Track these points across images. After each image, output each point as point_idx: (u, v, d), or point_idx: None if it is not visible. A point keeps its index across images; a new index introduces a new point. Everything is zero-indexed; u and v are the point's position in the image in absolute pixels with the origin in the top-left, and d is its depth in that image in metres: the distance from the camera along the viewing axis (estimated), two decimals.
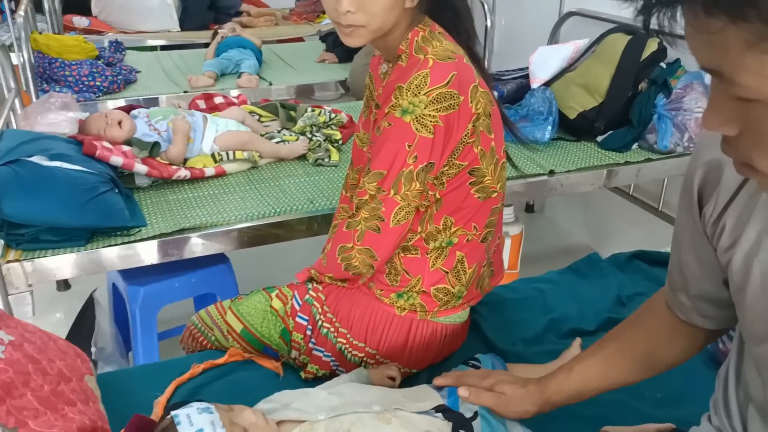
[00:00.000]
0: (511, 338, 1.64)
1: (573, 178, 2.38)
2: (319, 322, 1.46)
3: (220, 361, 1.48)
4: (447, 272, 1.41)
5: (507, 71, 2.95)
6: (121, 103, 3.22)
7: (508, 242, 2.77)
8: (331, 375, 1.44)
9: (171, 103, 2.90)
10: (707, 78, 2.43)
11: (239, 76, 3.63)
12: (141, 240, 1.82)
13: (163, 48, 4.73)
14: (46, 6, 4.26)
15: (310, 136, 2.47)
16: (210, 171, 2.19)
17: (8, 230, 1.72)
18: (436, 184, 1.34)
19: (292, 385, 1.37)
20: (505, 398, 1.15)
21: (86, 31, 4.62)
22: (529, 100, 2.60)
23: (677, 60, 2.58)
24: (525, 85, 2.75)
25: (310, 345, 1.47)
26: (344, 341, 1.44)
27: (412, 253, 1.41)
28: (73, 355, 1.27)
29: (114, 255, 1.80)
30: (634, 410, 1.37)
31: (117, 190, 1.89)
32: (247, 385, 1.42)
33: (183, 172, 2.12)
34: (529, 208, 3.91)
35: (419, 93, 1.24)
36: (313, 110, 2.58)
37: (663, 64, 2.54)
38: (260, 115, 2.59)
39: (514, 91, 2.77)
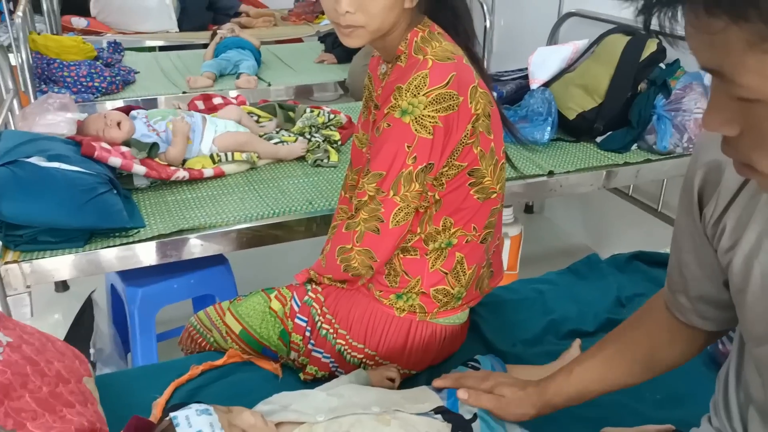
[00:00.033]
0: (510, 339, 1.63)
1: (572, 178, 2.38)
2: (318, 324, 1.46)
3: (219, 362, 1.48)
4: (446, 273, 1.41)
5: (506, 72, 2.94)
6: (120, 103, 3.22)
7: (507, 243, 2.77)
8: (331, 376, 1.44)
9: (170, 104, 2.90)
10: (706, 79, 2.44)
11: (238, 77, 3.63)
12: (139, 241, 1.82)
13: (162, 49, 4.73)
14: (44, 7, 4.25)
15: (308, 137, 2.47)
16: (209, 172, 2.18)
17: (6, 231, 1.71)
18: (435, 184, 1.34)
19: (291, 386, 1.37)
20: (505, 401, 1.15)
21: (85, 32, 4.62)
22: (529, 100, 2.60)
23: (676, 61, 2.58)
24: (524, 86, 2.75)
25: (309, 346, 1.47)
26: (343, 342, 1.44)
27: (411, 254, 1.40)
28: (71, 357, 1.26)
29: (112, 256, 1.79)
30: (634, 411, 1.37)
31: (115, 191, 1.88)
32: (246, 386, 1.42)
33: (182, 173, 2.11)
34: (529, 209, 3.91)
35: (418, 93, 1.24)
36: (311, 111, 2.58)
37: (662, 65, 2.54)
38: (259, 116, 2.59)
39: (513, 92, 2.77)
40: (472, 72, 1.32)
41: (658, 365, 1.11)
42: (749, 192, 0.81)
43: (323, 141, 2.46)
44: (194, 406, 1.01)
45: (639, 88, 2.51)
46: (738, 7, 0.53)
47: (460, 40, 1.37)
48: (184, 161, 2.21)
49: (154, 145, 2.12)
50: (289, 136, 2.47)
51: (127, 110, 2.28)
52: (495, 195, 1.41)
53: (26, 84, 2.97)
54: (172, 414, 0.99)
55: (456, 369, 1.36)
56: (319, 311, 1.46)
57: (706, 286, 0.97)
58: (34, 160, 1.76)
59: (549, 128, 2.49)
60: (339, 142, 2.50)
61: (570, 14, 3.32)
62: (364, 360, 1.44)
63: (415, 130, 1.25)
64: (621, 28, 2.65)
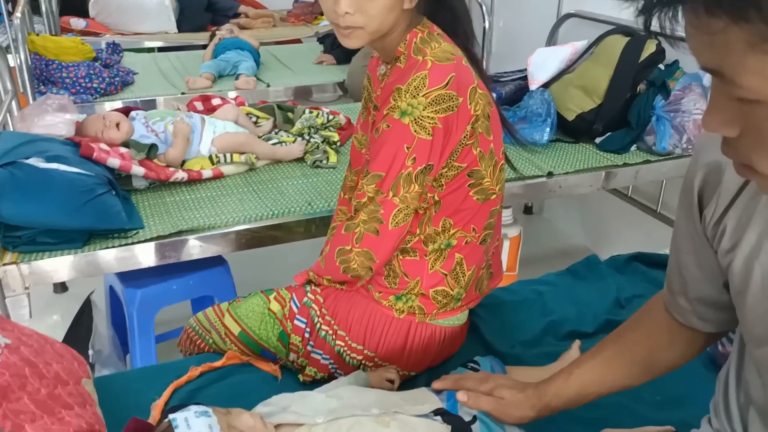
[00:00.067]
0: (509, 340, 1.63)
1: (571, 179, 2.37)
2: (318, 325, 1.46)
3: (218, 363, 1.47)
4: (446, 274, 1.41)
5: (505, 73, 2.94)
6: (119, 104, 3.22)
7: (506, 244, 2.77)
8: (330, 378, 1.44)
9: (169, 105, 2.90)
10: (706, 79, 2.44)
11: (237, 78, 3.63)
12: (138, 242, 1.81)
13: (161, 49, 4.73)
14: (43, 7, 4.25)
15: (307, 137, 2.47)
16: (207, 173, 2.18)
17: (5, 232, 1.71)
18: (434, 186, 1.33)
19: (291, 387, 1.37)
20: (504, 403, 1.15)
21: (83, 33, 4.61)
22: (528, 101, 2.60)
23: (676, 61, 2.58)
24: (523, 87, 2.75)
25: (309, 348, 1.46)
26: (342, 344, 1.44)
27: (410, 256, 1.40)
28: (70, 358, 1.26)
29: (111, 257, 1.79)
30: (634, 413, 1.37)
31: (114, 192, 1.88)
32: (245, 387, 1.41)
33: (180, 174, 2.11)
34: (528, 210, 3.91)
35: (418, 94, 1.24)
36: (310, 112, 2.58)
37: (661, 66, 2.55)
38: (258, 117, 2.59)
39: (512, 93, 2.77)
40: (471, 73, 1.32)
41: (658, 367, 1.11)
42: (749, 193, 0.81)
43: (322, 142, 2.46)
44: (193, 408, 1.01)
45: (638, 89, 2.51)
46: (738, 8, 0.53)
47: (459, 41, 1.36)
48: (183, 162, 2.21)
49: (153, 146, 2.12)
50: (288, 136, 2.47)
51: (125, 111, 2.27)
52: (494, 196, 1.40)
53: (25, 85, 2.97)
54: (171, 416, 0.99)
55: (455, 370, 1.36)
56: (318, 312, 1.46)
57: (706, 287, 0.97)
58: (32, 161, 1.76)
59: (548, 129, 2.49)
60: (338, 143, 2.49)
61: (569, 15, 3.33)
62: (363, 361, 1.44)
63: (415, 131, 1.25)
64: (620, 29, 2.65)
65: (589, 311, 1.75)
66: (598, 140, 2.55)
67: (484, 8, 3.60)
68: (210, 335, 1.55)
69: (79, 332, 2.10)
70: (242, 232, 1.94)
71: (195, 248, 1.89)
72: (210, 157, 2.24)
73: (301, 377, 1.47)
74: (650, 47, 2.48)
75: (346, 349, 1.44)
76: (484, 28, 3.58)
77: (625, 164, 2.45)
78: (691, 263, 0.96)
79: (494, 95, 1.46)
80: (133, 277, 2.00)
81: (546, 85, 2.66)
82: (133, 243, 1.81)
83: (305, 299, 1.48)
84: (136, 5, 4.85)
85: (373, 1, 1.24)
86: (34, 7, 4.09)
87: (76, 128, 2.15)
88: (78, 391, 1.18)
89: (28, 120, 2.13)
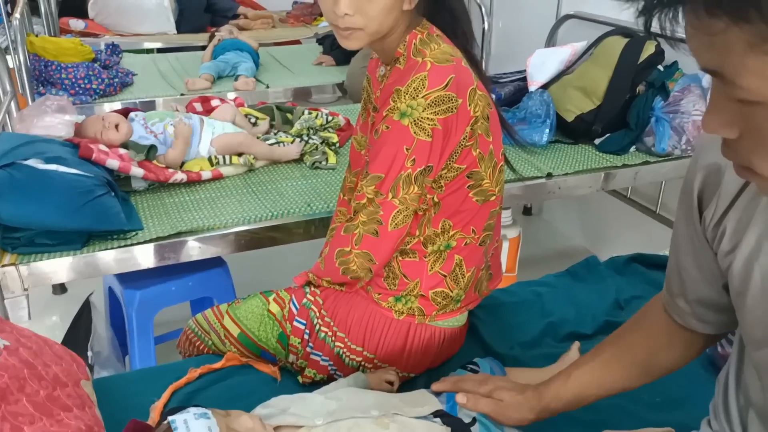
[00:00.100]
0: (508, 342, 1.63)
1: (571, 181, 2.37)
2: (317, 326, 1.46)
3: (217, 365, 1.47)
4: (445, 276, 1.41)
5: (504, 74, 2.94)
6: (118, 106, 3.21)
7: (505, 245, 2.77)
8: (329, 379, 1.44)
9: (168, 106, 2.90)
10: (705, 81, 2.44)
11: (236, 79, 3.62)
12: (137, 243, 1.81)
13: (160, 51, 4.72)
14: (42, 8, 4.25)
15: (306, 138, 2.46)
16: (207, 174, 2.18)
17: (4, 234, 1.71)
18: (434, 187, 1.33)
19: (290, 389, 1.37)
20: (503, 405, 1.14)
21: (82, 34, 4.61)
22: (527, 102, 2.60)
23: (675, 63, 2.58)
24: (522, 88, 2.75)
25: (308, 349, 1.46)
26: (342, 345, 1.44)
27: (410, 257, 1.40)
28: (69, 360, 1.26)
29: (110, 258, 1.79)
30: (633, 415, 1.36)
31: (113, 194, 1.88)
32: (244, 389, 1.41)
33: (180, 176, 2.11)
34: (527, 211, 3.91)
35: (417, 96, 1.24)
36: (309, 113, 2.57)
37: (660, 67, 2.55)
38: (257, 118, 2.59)
39: (511, 94, 2.77)
40: (470, 74, 1.32)
41: (657, 368, 1.11)
42: (749, 195, 0.81)
43: (321, 143, 2.46)
44: (192, 410, 1.01)
45: (637, 90, 2.51)
46: (739, 8, 0.53)
47: (458, 42, 1.36)
48: (182, 164, 2.20)
49: (152, 148, 2.12)
50: (287, 137, 2.47)
51: (125, 112, 2.27)
52: (494, 197, 1.40)
53: (24, 86, 2.97)
54: (170, 418, 0.99)
55: (455, 372, 1.36)
56: (317, 314, 1.46)
57: (705, 289, 0.97)
58: (31, 162, 1.76)
59: (547, 130, 2.48)
60: (337, 144, 2.49)
61: (568, 16, 3.33)
62: (362, 363, 1.44)
63: (414, 132, 1.25)
64: (619, 30, 2.65)
65: (588, 312, 1.75)
66: (597, 141, 2.55)
67: (483, 9, 3.60)
68: (209, 337, 1.55)
69: (78, 333, 2.10)
70: (241, 233, 1.94)
71: (194, 249, 1.89)
72: (209, 159, 2.24)
73: (300, 379, 1.47)
74: (649, 48, 2.48)
75: (345, 350, 1.44)
76: (484, 29, 3.59)
77: (625, 165, 2.45)
78: (690, 265, 0.96)
79: (493, 96, 1.46)
80: (132, 279, 2.00)
81: (545, 86, 2.66)
82: (132, 244, 1.80)
83: (304, 301, 1.48)
84: (136, 6, 4.85)
85: (372, 3, 1.24)
86: (33, 8, 4.08)
87: (75, 129, 2.15)
88: (77, 393, 1.18)
89: (27, 121, 2.13)
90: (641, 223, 3.07)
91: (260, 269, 2.93)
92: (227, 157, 2.25)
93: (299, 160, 2.40)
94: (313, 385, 1.41)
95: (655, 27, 0.61)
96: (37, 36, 3.50)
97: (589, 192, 2.48)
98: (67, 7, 4.84)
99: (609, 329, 1.41)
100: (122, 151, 2.06)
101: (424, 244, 1.38)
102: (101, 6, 4.84)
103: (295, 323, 1.47)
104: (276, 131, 2.54)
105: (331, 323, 1.45)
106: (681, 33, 0.61)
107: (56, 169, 1.78)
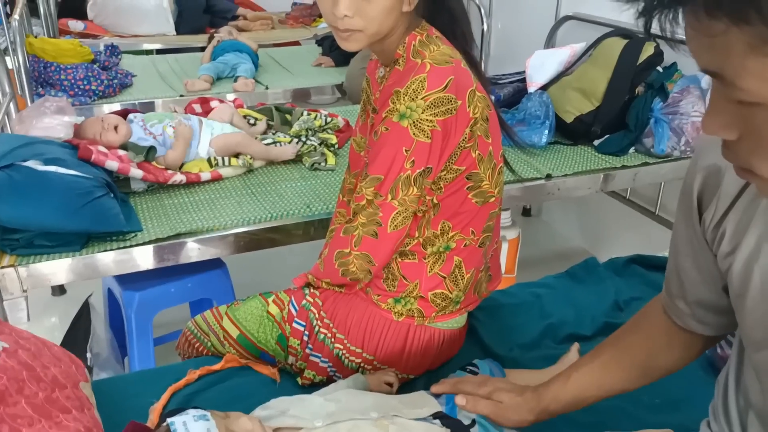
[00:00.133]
0: (508, 343, 1.63)
1: (570, 182, 2.37)
2: (316, 328, 1.45)
3: (217, 367, 1.47)
4: (445, 277, 1.41)
5: (504, 75, 2.94)
6: (117, 107, 3.21)
7: (505, 246, 2.77)
8: (329, 381, 1.43)
9: (167, 107, 2.90)
10: (704, 82, 2.44)
11: (235, 80, 3.62)
12: (137, 245, 1.81)
13: (159, 52, 4.72)
14: (41, 10, 4.24)
15: (304, 140, 2.46)
16: (206, 175, 2.18)
17: (3, 235, 1.70)
18: (433, 188, 1.33)
19: (289, 391, 1.37)
20: (503, 406, 1.14)
21: (82, 35, 4.61)
22: (526, 104, 2.60)
23: (674, 64, 2.58)
24: (522, 89, 2.75)
25: (307, 351, 1.46)
26: (341, 347, 1.44)
27: (409, 258, 1.40)
28: (67, 362, 1.26)
29: (109, 260, 1.79)
30: (632, 416, 1.36)
31: (112, 195, 1.87)
32: (243, 391, 1.41)
33: (179, 177, 2.11)
34: (526, 212, 3.91)
35: (417, 97, 1.24)
36: (308, 114, 2.57)
37: (659, 68, 2.55)
38: (256, 119, 2.59)
39: (510, 95, 2.77)
40: (470, 75, 1.32)
41: (656, 370, 1.10)
42: (749, 196, 0.81)
43: (319, 144, 2.45)
44: (191, 412, 1.01)
45: (636, 92, 2.51)
46: (739, 10, 0.53)
47: (457, 43, 1.36)
48: (182, 165, 2.20)
49: (151, 149, 2.11)
50: (285, 137, 2.47)
51: (124, 114, 2.27)
52: (493, 199, 1.40)
53: (23, 87, 2.97)
54: (169, 420, 0.99)
55: (454, 374, 1.35)
56: (317, 315, 1.46)
57: (704, 290, 0.97)
58: (30, 163, 1.76)
59: (546, 131, 2.49)
60: (336, 146, 2.49)
61: (567, 17, 3.33)
62: (362, 364, 1.44)
63: (413, 134, 1.25)
64: (618, 32, 2.66)
65: (587, 314, 1.75)
66: (596, 142, 2.55)
67: (482, 10, 3.60)
68: (208, 338, 1.55)
69: (77, 335, 2.10)
70: (241, 234, 1.94)
71: (193, 251, 1.89)
72: (208, 160, 2.24)
73: (299, 380, 1.46)
74: (648, 49, 2.48)
75: (344, 352, 1.43)
76: (483, 30, 3.59)
77: (624, 166, 2.45)
78: (689, 266, 0.96)
79: (493, 98, 1.46)
80: (131, 280, 1.99)
81: (544, 88, 2.66)
82: (131, 246, 1.80)
83: (304, 302, 1.48)
84: (135, 7, 4.85)
85: (371, 4, 1.24)
86: (33, 9, 4.08)
87: (74, 131, 2.14)
88: (76, 395, 1.18)
89: (26, 122, 2.13)
90: (640, 225, 3.07)
91: (259, 271, 2.92)
92: (226, 159, 2.25)
93: (298, 161, 2.40)
94: (312, 387, 1.41)
95: (655, 28, 0.61)
96: (36, 37, 3.50)
97: (588, 193, 2.48)
98: (66, 8, 4.84)
99: (608, 331, 1.41)
100: (121, 152, 2.06)
101: (424, 245, 1.38)
102: (100, 7, 4.83)
103: (294, 325, 1.47)
104: (274, 131, 2.54)
105: (331, 325, 1.45)
106: (681, 34, 0.61)
107: (55, 171, 1.78)
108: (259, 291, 1.56)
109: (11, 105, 2.45)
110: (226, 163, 2.24)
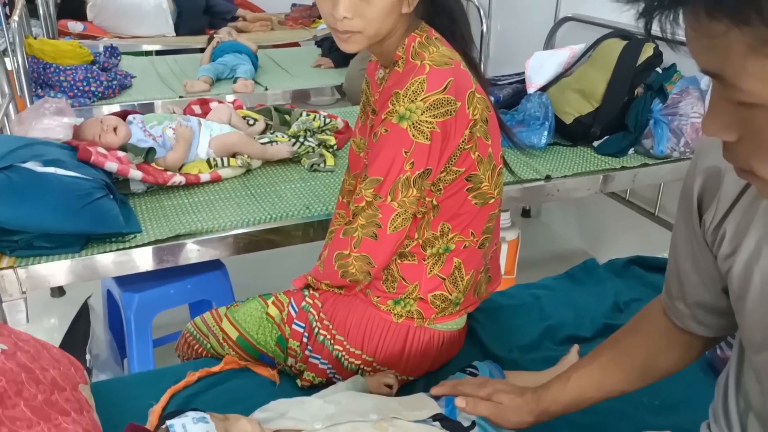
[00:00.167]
0: (507, 345, 1.63)
1: (569, 183, 2.37)
2: (316, 330, 1.45)
3: (216, 368, 1.47)
4: (444, 279, 1.40)
5: (503, 76, 2.94)
6: (116, 108, 3.21)
7: (504, 248, 2.77)
8: (328, 382, 1.43)
9: (166, 109, 2.90)
10: (703, 83, 2.44)
11: (235, 81, 3.62)
12: (136, 246, 1.81)
13: (159, 53, 4.72)
14: (40, 11, 4.25)
15: (302, 140, 2.46)
16: (205, 177, 2.18)
17: (2, 237, 1.70)
18: (433, 190, 1.33)
19: (289, 392, 1.36)
20: (502, 408, 1.14)
21: (81, 36, 4.60)
22: (526, 105, 2.60)
23: (673, 65, 2.58)
24: (521, 90, 2.75)
25: (307, 352, 1.46)
26: (341, 348, 1.43)
27: (409, 260, 1.40)
28: (66, 364, 1.25)
29: (109, 261, 1.78)
30: (632, 418, 1.36)
31: (112, 196, 1.87)
32: (243, 392, 1.41)
33: (178, 178, 2.11)
34: (526, 213, 3.90)
35: (416, 99, 1.24)
36: (307, 115, 2.57)
37: (659, 69, 2.55)
38: (254, 120, 2.59)
39: (510, 97, 2.77)
40: (469, 77, 1.32)
41: (656, 371, 1.10)
42: (749, 198, 0.81)
43: (318, 145, 2.45)
44: (191, 414, 1.01)
45: (635, 93, 2.51)
46: (739, 11, 0.53)
47: (457, 44, 1.36)
48: (181, 166, 2.20)
49: (150, 150, 2.11)
50: (283, 137, 2.46)
51: (123, 115, 2.27)
52: (493, 200, 1.40)
53: (22, 88, 2.97)
54: (168, 422, 0.99)
55: (454, 375, 1.35)
56: (316, 317, 1.46)
57: (704, 292, 0.97)
58: (29, 165, 1.75)
59: (546, 133, 2.49)
60: (335, 147, 2.49)
61: (566, 19, 3.33)
62: (361, 366, 1.44)
63: (413, 135, 1.24)
64: (617, 33, 2.66)
65: (587, 315, 1.75)
66: (595, 144, 2.55)
67: (481, 12, 3.60)
68: (208, 340, 1.55)
69: (76, 337, 2.10)
70: (240, 236, 1.94)
71: (193, 252, 1.89)
72: (208, 161, 2.24)
73: (299, 382, 1.46)
74: (648, 51, 2.48)
75: (344, 353, 1.43)
76: (482, 31, 3.59)
77: (623, 167, 2.45)
78: (689, 268, 0.96)
79: (492, 99, 1.46)
80: (130, 281, 1.99)
81: (544, 89, 2.66)
82: (130, 247, 1.80)
83: (303, 304, 1.48)
84: (134, 8, 4.84)
85: (371, 6, 1.23)
86: (32, 11, 4.08)
87: (73, 132, 2.14)
88: (75, 397, 1.17)
89: (26, 123, 2.12)
90: (640, 226, 3.07)
91: (259, 272, 2.92)
92: (225, 159, 2.25)
93: (297, 162, 2.40)
94: (311, 389, 1.41)
95: (655, 29, 0.61)
96: (35, 38, 3.50)
97: (587, 194, 2.48)
98: (65, 9, 4.84)
99: (608, 332, 1.41)
100: (121, 153, 2.06)
101: (423, 247, 1.38)
102: (100, 8, 4.83)
103: (293, 326, 1.47)
104: (273, 132, 2.54)
105: (330, 326, 1.44)
106: (681, 35, 0.61)
107: (54, 172, 1.78)
108: (258, 292, 1.56)
109: (10, 106, 2.45)
110: (225, 163, 2.24)
